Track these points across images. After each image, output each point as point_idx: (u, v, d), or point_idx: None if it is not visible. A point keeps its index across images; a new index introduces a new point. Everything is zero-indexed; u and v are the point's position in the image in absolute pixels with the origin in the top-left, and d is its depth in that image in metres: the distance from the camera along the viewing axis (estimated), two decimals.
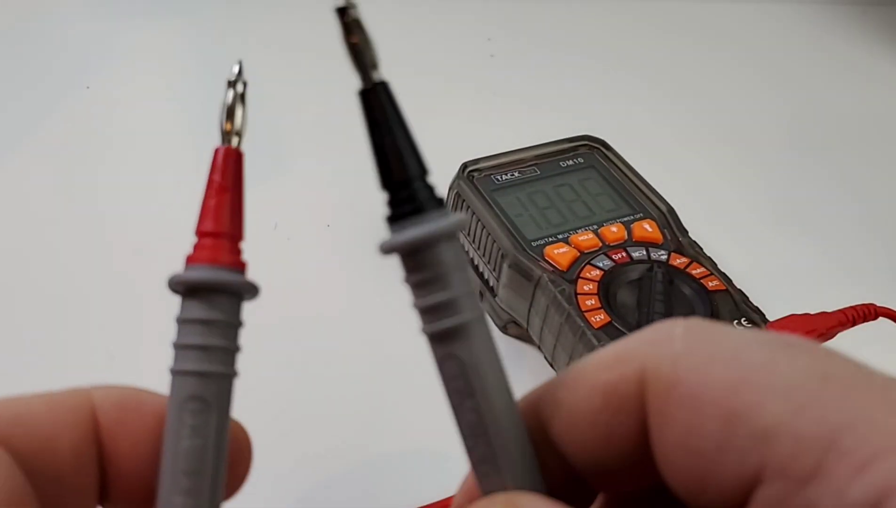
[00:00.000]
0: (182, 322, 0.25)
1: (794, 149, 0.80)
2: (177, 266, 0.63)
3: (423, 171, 0.23)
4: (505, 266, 0.54)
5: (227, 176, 0.26)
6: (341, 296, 0.60)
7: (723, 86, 0.86)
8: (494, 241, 0.55)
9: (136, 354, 0.56)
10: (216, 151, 0.26)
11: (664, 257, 0.54)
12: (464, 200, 0.58)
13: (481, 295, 0.59)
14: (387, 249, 0.23)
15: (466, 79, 0.83)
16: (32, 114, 0.75)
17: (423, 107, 0.79)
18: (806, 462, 0.18)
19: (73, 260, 0.62)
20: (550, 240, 0.55)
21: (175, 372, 0.24)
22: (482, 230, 0.56)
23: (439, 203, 0.23)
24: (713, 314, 0.51)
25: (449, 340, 0.23)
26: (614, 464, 0.23)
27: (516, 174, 0.60)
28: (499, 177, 0.59)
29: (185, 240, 0.64)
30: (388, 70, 0.84)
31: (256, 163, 0.72)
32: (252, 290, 0.25)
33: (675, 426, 0.21)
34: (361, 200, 0.66)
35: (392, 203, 0.23)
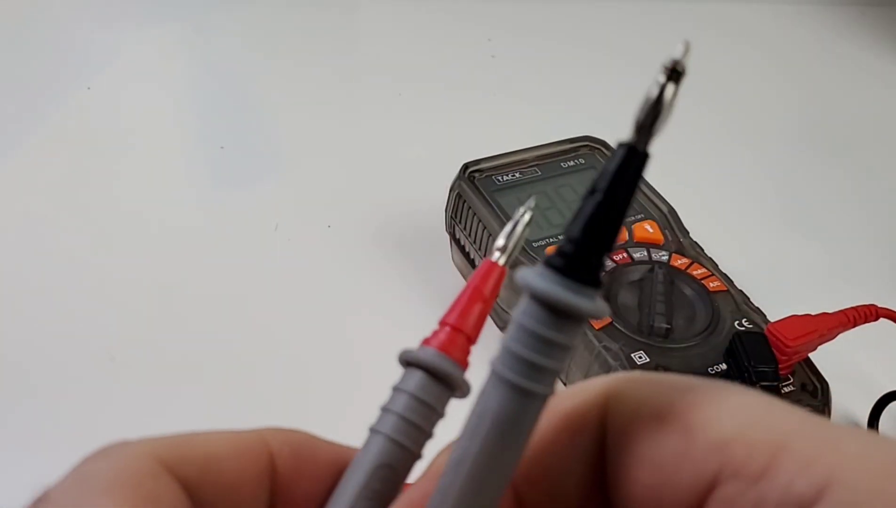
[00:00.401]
0: (398, 390, 0.26)
1: (796, 149, 0.80)
2: (176, 266, 0.63)
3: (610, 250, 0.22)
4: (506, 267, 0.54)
5: (488, 288, 0.27)
6: (341, 296, 0.60)
7: (725, 87, 0.86)
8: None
9: (137, 356, 0.56)
10: (486, 262, 0.27)
11: (665, 258, 0.54)
12: (465, 201, 0.58)
13: None
14: (544, 294, 0.21)
15: (467, 79, 0.83)
16: (34, 114, 0.75)
17: (424, 108, 0.79)
18: (758, 463, 0.21)
19: (72, 259, 0.62)
20: (551, 240, 0.55)
21: (378, 433, 0.25)
22: (483, 230, 0.56)
23: (600, 284, 0.22)
24: (714, 314, 0.51)
25: (508, 391, 0.22)
26: (559, 493, 0.24)
27: (517, 175, 0.60)
28: (500, 178, 0.59)
29: (185, 240, 0.64)
30: (391, 70, 0.84)
31: (257, 164, 0.72)
32: (465, 390, 0.26)
33: (638, 441, 0.22)
34: (362, 201, 0.66)
35: (572, 258, 0.21)
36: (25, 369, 0.55)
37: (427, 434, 0.26)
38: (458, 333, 0.26)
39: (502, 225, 0.55)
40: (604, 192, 0.21)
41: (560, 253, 0.21)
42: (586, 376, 0.50)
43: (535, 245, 0.55)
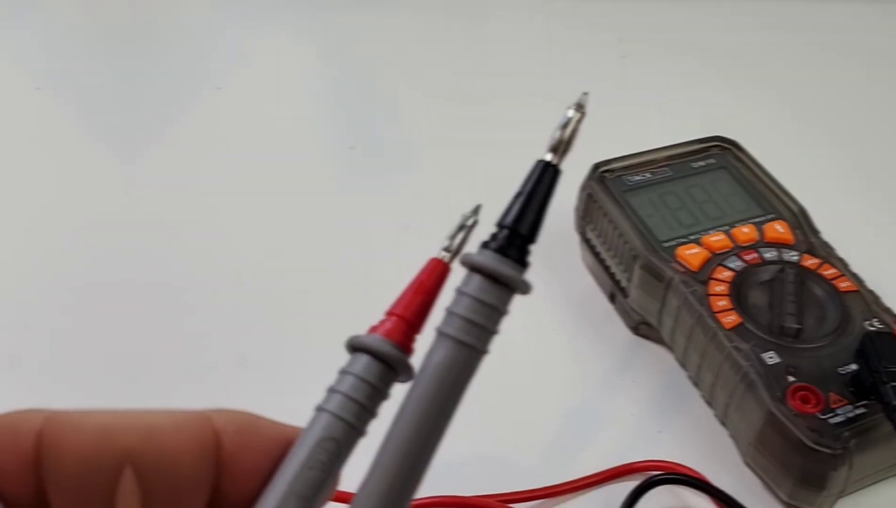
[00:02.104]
0: (344, 373, 0.28)
1: None
2: (308, 263, 0.64)
3: (535, 239, 0.27)
4: (636, 267, 0.55)
5: (432, 283, 0.29)
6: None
7: (852, 87, 0.85)
8: (626, 242, 0.56)
9: (268, 357, 0.58)
10: (432, 260, 0.29)
11: (796, 258, 0.54)
12: (595, 201, 0.59)
13: (613, 296, 0.60)
14: (482, 265, 0.27)
15: (597, 79, 0.84)
16: (164, 113, 0.77)
17: (554, 108, 0.80)
18: None
19: (202, 255, 0.64)
20: (682, 240, 0.56)
21: (324, 410, 0.27)
22: (614, 230, 0.57)
23: (527, 264, 0.27)
24: (844, 314, 0.51)
25: (450, 344, 0.26)
26: None
27: (648, 175, 0.60)
28: (630, 178, 0.60)
29: (314, 242, 0.65)
30: (520, 72, 0.84)
31: (388, 165, 0.73)
32: (408, 374, 0.28)
33: None
34: (495, 201, 0.67)
35: (506, 241, 0.27)
36: (153, 358, 0.57)
37: (371, 414, 0.27)
38: (403, 321, 0.28)
39: (634, 226, 0.56)
40: (526, 194, 0.27)
41: (493, 237, 0.27)
42: (717, 375, 0.51)
43: (665, 245, 0.55)
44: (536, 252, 0.65)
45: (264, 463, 0.27)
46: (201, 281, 0.63)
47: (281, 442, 0.27)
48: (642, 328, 0.58)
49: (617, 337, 0.60)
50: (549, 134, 0.28)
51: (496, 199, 0.71)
